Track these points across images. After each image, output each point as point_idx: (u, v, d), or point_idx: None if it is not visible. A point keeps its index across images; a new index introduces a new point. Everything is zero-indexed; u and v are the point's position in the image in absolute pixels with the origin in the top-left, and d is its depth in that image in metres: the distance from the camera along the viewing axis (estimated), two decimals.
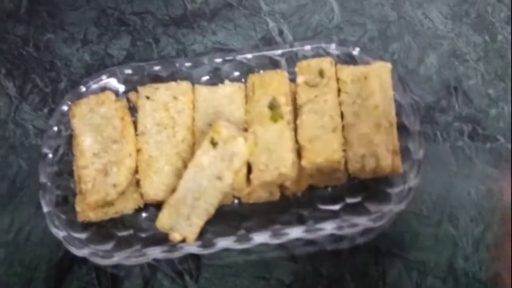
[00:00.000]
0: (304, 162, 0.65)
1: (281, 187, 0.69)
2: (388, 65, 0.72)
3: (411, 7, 0.86)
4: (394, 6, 0.86)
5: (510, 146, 0.75)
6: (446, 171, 0.73)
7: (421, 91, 0.79)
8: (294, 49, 0.76)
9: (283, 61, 0.77)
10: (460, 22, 0.84)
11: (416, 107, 0.75)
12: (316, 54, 0.76)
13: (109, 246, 0.66)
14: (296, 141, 0.67)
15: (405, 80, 0.79)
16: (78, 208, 0.67)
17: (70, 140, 0.73)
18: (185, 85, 0.72)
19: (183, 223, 0.63)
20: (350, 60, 0.75)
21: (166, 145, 0.68)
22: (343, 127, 0.68)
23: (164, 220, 0.63)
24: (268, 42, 0.84)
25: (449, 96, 0.79)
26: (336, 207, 0.70)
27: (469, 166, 0.74)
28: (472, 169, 0.74)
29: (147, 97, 0.70)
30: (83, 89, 0.74)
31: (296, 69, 0.72)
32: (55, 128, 0.72)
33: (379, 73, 0.70)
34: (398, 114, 0.71)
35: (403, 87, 0.73)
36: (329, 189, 0.71)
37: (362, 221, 0.65)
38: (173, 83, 0.72)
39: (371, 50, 0.79)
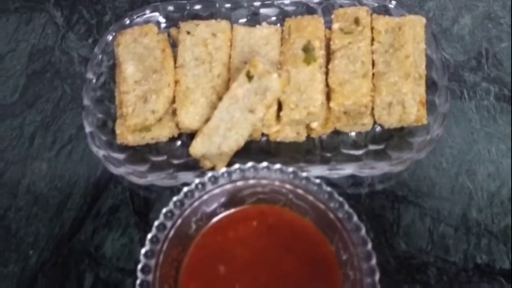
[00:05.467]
0: (332, 104, 0.68)
1: (308, 128, 0.72)
2: (423, 19, 0.74)
3: None
4: None
5: None
6: (469, 128, 0.76)
7: (453, 50, 0.81)
8: None
9: (319, 10, 0.79)
10: None
11: (446, 64, 0.78)
12: (353, 5, 0.77)
13: (143, 168, 0.71)
14: (327, 85, 0.70)
15: (438, 37, 0.80)
16: (117, 131, 0.72)
17: (112, 69, 0.77)
18: (224, 23, 0.75)
19: (214, 152, 0.67)
20: (385, 13, 0.77)
21: (203, 79, 0.71)
22: (373, 75, 0.71)
23: (197, 147, 0.67)
24: None
25: (479, 56, 0.80)
26: (359, 152, 0.73)
27: (492, 125, 0.76)
28: (495, 128, 0.76)
29: (188, 32, 0.73)
30: (127, 21, 0.78)
31: (333, 16, 0.75)
32: (100, 56, 0.76)
33: (413, 25, 0.72)
34: (428, 68, 0.73)
35: (436, 43, 0.75)
36: (354, 135, 0.74)
37: (382, 165, 0.69)
38: (213, 21, 0.75)
39: (407, 6, 0.81)
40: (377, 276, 0.55)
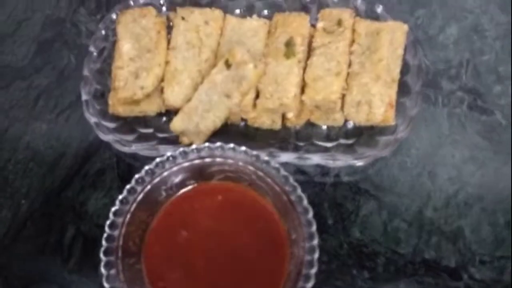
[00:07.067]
0: (304, 97, 0.74)
1: (284, 118, 0.78)
2: (404, 26, 0.78)
3: None
4: None
5: (505, 122, 0.80)
6: (438, 133, 0.80)
7: (435, 57, 0.85)
8: None
9: (313, 8, 0.83)
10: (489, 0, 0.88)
11: (426, 70, 0.82)
12: (344, 6, 0.81)
13: (130, 137, 0.78)
14: (303, 79, 0.75)
15: (421, 44, 0.84)
16: (110, 102, 0.79)
17: (114, 45, 0.83)
18: (217, 12, 0.80)
19: (192, 130, 0.74)
20: (374, 16, 0.81)
21: (191, 62, 0.77)
22: (348, 74, 0.75)
23: (177, 124, 0.74)
24: None
25: (459, 66, 0.84)
26: (329, 144, 0.78)
27: (461, 133, 0.80)
28: (462, 135, 0.80)
29: (183, 18, 0.79)
30: (131, 2, 0.84)
31: (319, 15, 0.79)
32: (103, 32, 0.83)
33: (392, 31, 0.76)
34: (404, 73, 0.78)
35: (415, 50, 0.79)
36: (327, 128, 0.79)
37: (346, 158, 0.74)
38: (207, 9, 0.81)
39: (397, 11, 0.84)
40: (316, 255, 0.61)
